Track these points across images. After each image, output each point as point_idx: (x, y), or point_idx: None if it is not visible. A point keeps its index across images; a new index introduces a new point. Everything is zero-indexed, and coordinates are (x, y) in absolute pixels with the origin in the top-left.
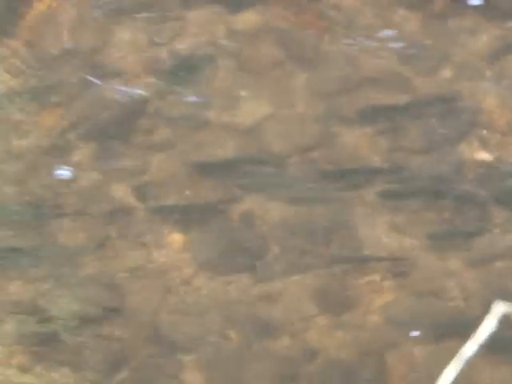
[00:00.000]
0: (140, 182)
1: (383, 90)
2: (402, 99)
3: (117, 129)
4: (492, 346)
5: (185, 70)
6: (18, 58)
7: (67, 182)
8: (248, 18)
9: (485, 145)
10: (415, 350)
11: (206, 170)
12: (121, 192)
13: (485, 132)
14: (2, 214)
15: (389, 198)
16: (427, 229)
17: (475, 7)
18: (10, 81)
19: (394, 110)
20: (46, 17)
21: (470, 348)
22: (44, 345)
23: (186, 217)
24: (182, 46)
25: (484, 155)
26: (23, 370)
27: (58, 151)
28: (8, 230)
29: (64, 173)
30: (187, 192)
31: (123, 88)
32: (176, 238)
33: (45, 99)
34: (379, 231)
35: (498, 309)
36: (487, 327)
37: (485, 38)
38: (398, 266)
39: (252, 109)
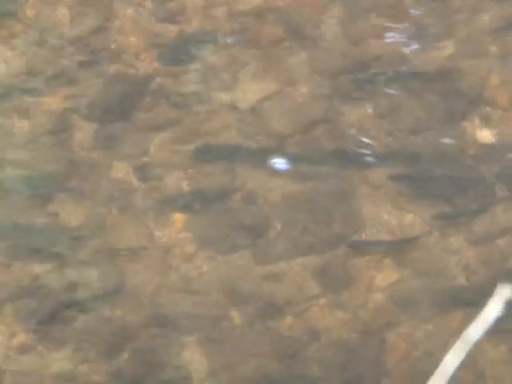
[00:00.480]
0: (141, 162)
1: (385, 68)
2: (404, 76)
3: (119, 108)
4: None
5: (187, 49)
6: (20, 39)
7: (69, 162)
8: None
9: (487, 122)
10: (416, 328)
11: (208, 151)
12: (122, 172)
13: (487, 109)
14: (2, 192)
15: (392, 178)
16: (430, 208)
17: None
18: (12, 61)
19: (395, 87)
20: None
21: (475, 331)
22: (45, 324)
23: (188, 197)
24: (185, 25)
25: (486, 133)
26: (24, 349)
27: (61, 131)
28: (9, 207)
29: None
30: (189, 171)
31: (125, 67)
32: (178, 217)
33: (47, 80)
34: (382, 211)
35: (503, 291)
36: (492, 310)
37: (487, 17)
38: (400, 245)
39: (254, 88)
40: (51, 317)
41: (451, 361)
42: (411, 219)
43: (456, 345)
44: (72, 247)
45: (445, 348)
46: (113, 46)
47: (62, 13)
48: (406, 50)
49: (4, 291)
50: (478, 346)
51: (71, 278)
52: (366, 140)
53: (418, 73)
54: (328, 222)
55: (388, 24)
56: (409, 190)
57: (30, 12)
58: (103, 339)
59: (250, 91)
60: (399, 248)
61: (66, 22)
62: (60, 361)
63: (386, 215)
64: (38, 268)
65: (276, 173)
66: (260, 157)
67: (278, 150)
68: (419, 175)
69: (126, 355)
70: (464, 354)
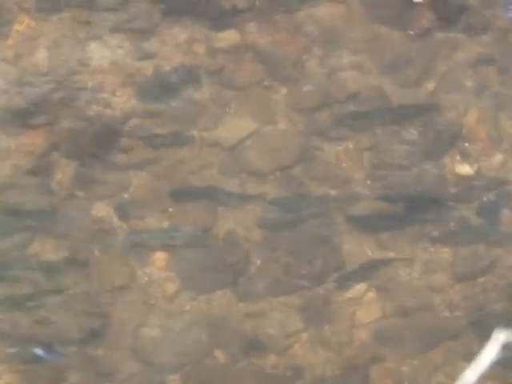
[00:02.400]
0: (122, 201)
1: (364, 105)
2: (382, 113)
3: (98, 148)
4: None
5: (166, 87)
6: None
7: (50, 201)
8: (228, 37)
9: (466, 157)
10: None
11: (188, 191)
12: (103, 211)
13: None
14: None
15: (373, 215)
16: (410, 244)
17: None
18: None
19: (375, 122)
20: (26, 37)
21: (472, 374)
22: (29, 364)
23: (169, 236)
24: (163, 62)
25: (465, 168)
26: None
27: (41, 171)
28: None
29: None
30: (170, 210)
31: (103, 107)
32: (160, 256)
33: (27, 119)
34: (364, 248)
35: (499, 337)
36: (488, 354)
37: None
38: (382, 281)
39: (235, 126)
40: (35, 357)
41: None
42: (392, 254)
43: None
44: (54, 288)
45: None
46: (91, 86)
47: (41, 52)
48: (386, 86)
49: None
50: None
51: (55, 320)
52: (345, 178)
53: (397, 108)
54: (309, 260)
55: (367, 61)
56: (390, 227)
57: (10, 52)
58: (86, 379)
59: (230, 130)
60: (381, 282)
61: (44, 61)
62: None
63: (369, 251)
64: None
65: (256, 212)
66: (240, 196)
67: (258, 189)
68: (400, 211)
69: None
70: None
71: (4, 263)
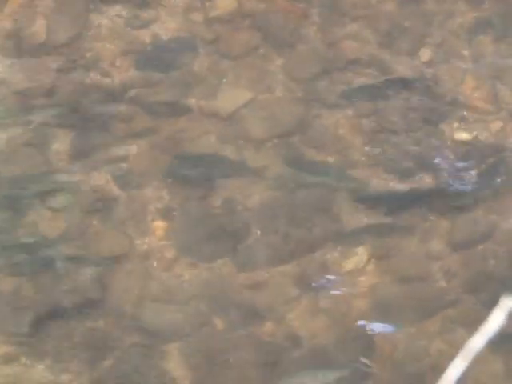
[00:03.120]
0: (121, 171)
1: (363, 73)
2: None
3: (97, 117)
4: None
5: (164, 56)
6: None
7: (47, 172)
8: (224, 5)
9: (464, 124)
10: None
11: (187, 160)
12: (102, 180)
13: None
14: None
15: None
16: (409, 211)
17: None
18: None
19: (374, 91)
20: (24, 7)
21: (478, 341)
22: (29, 336)
23: (168, 204)
24: (161, 31)
25: (463, 135)
26: (8, 360)
27: (38, 141)
28: None
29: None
30: (169, 180)
31: (102, 76)
32: (159, 225)
33: (25, 90)
34: (362, 216)
35: (506, 303)
36: (495, 321)
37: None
38: (381, 249)
39: (232, 95)
40: (34, 328)
41: (454, 370)
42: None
43: (459, 355)
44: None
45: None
46: (90, 55)
47: (40, 23)
48: (384, 54)
49: None
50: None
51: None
52: (344, 145)
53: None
54: (309, 228)
55: (365, 29)
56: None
57: (8, 22)
58: (86, 349)
59: (227, 99)
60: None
61: (42, 31)
62: (42, 371)
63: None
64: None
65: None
66: (238, 164)
67: (256, 157)
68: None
69: (108, 364)
70: (467, 363)
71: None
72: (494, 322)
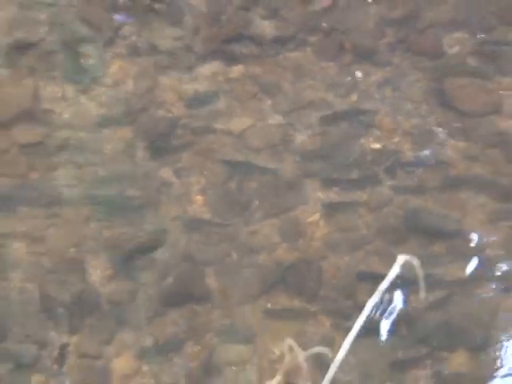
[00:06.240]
0: (178, 167)
1: (321, 108)
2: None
3: (162, 133)
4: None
5: (201, 100)
6: None
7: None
8: (237, 70)
9: (377, 139)
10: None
11: (217, 161)
12: (167, 174)
13: (377, 131)
14: None
15: (324, 181)
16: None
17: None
18: None
19: (326, 120)
20: (121, 72)
21: (384, 284)
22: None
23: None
24: (199, 87)
25: (376, 145)
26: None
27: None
28: None
29: None
30: (205, 173)
31: (166, 112)
32: (198, 198)
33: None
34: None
35: (400, 258)
36: (394, 271)
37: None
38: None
39: (240, 121)
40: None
41: (370, 304)
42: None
43: (373, 295)
44: None
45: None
46: (159, 101)
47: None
48: (329, 98)
49: None
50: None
51: None
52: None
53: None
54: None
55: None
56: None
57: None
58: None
59: (238, 123)
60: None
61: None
62: None
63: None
64: None
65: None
66: (244, 162)
67: (257, 159)
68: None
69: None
70: (379, 298)
71: None
72: (392, 272)
